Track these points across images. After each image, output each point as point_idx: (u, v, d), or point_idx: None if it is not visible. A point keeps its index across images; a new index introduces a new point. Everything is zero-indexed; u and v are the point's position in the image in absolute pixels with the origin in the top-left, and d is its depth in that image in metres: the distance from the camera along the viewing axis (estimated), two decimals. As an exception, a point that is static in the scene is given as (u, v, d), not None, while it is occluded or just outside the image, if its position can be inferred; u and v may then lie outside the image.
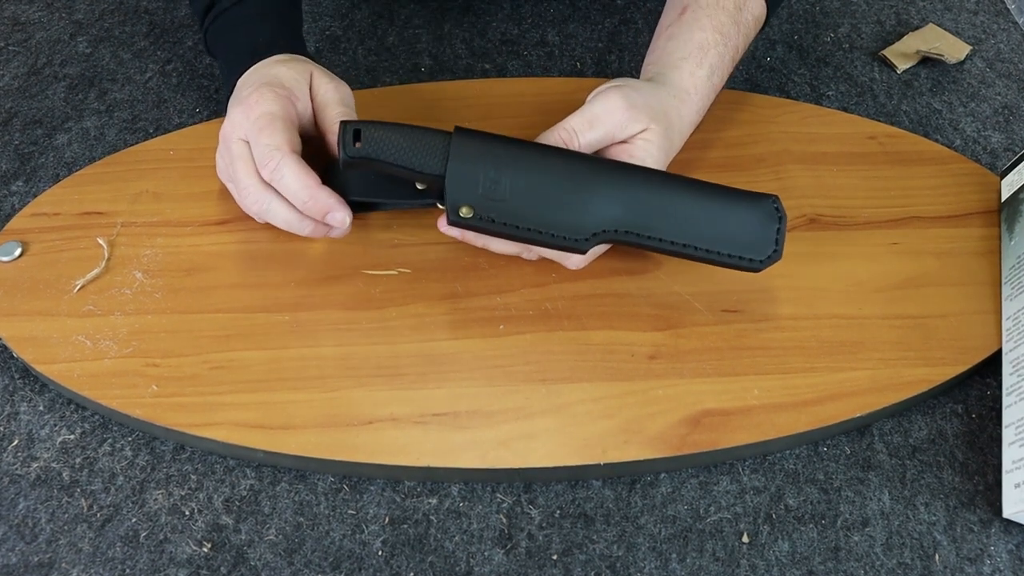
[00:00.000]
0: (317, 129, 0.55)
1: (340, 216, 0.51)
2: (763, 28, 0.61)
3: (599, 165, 0.50)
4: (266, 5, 0.58)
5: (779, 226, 0.50)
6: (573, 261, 0.52)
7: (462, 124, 0.50)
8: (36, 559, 0.46)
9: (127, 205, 0.59)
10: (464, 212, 0.49)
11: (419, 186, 0.53)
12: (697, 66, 0.55)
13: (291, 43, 0.58)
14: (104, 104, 0.70)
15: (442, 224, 0.51)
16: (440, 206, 0.51)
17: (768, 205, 0.51)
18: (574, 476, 0.49)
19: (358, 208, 0.54)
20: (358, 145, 0.49)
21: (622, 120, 0.51)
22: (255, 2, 0.58)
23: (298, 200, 0.50)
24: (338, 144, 0.49)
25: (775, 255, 0.50)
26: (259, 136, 0.50)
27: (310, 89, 0.54)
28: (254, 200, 0.52)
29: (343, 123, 0.49)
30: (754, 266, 0.51)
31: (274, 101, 0.51)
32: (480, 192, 0.49)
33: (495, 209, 0.49)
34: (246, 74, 0.55)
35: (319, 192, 0.50)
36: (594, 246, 0.50)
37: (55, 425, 0.51)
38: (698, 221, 0.50)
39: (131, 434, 0.51)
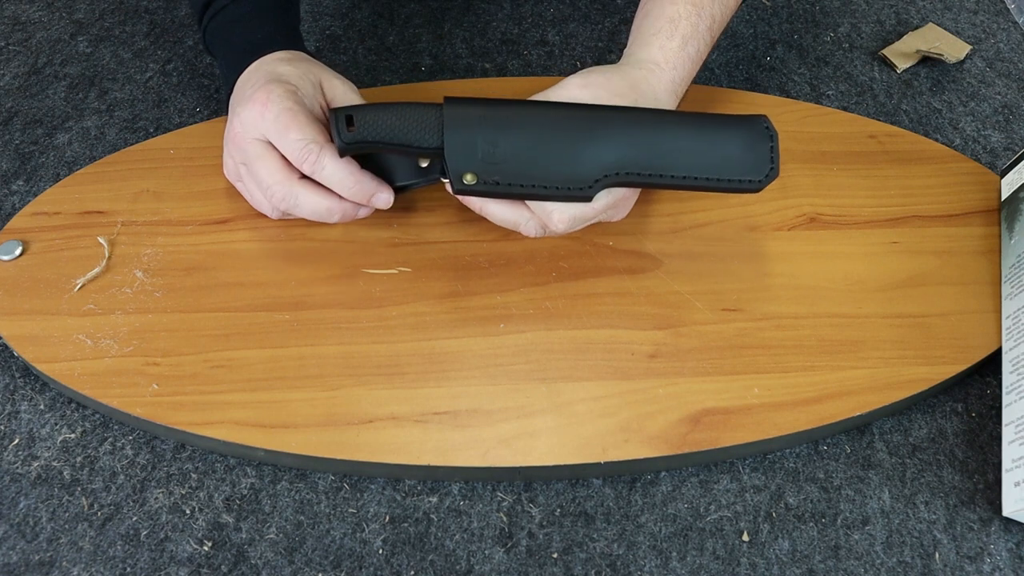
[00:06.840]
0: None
1: (384, 197, 0.52)
2: None
3: (592, 112, 0.50)
4: (263, 2, 0.58)
5: (772, 144, 0.51)
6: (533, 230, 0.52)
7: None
8: (37, 558, 0.46)
9: (127, 204, 0.59)
10: (468, 179, 0.49)
11: (422, 163, 0.53)
12: (668, 39, 0.55)
13: (289, 40, 0.58)
14: (104, 103, 0.70)
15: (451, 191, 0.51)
16: (444, 180, 0.51)
17: (759, 126, 0.51)
18: (574, 475, 0.49)
19: None
20: (352, 130, 0.49)
21: (582, 100, 0.51)
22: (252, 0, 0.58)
23: (344, 188, 0.51)
24: (332, 131, 0.49)
25: (772, 172, 0.51)
26: (287, 133, 0.50)
27: (322, 92, 0.54)
28: (281, 198, 0.52)
29: (334, 110, 0.50)
30: (754, 186, 0.51)
31: (288, 97, 0.51)
32: (480, 157, 0.49)
33: (497, 172, 0.49)
34: (247, 72, 0.54)
35: (363, 177, 0.51)
36: (598, 192, 0.50)
37: (56, 424, 0.51)
38: (695, 152, 0.50)
39: (132, 433, 0.51)
